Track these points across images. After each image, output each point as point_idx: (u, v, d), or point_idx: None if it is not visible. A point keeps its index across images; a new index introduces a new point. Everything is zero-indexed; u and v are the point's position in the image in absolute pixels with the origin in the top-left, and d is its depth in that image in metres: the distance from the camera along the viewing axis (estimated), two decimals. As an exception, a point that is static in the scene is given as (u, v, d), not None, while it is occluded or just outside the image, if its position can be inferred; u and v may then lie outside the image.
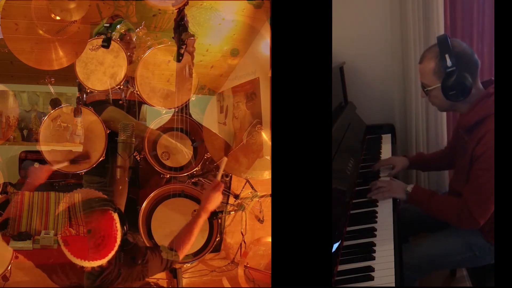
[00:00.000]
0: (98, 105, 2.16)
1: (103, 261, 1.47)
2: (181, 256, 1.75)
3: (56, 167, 2.02)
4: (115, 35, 2.17)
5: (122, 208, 2.20)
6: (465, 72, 1.69)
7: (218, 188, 1.85)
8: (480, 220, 1.69)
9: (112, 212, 1.51)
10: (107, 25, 2.17)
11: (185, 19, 2.00)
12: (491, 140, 1.60)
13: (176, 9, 1.96)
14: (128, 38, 2.25)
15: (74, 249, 1.46)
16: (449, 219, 1.83)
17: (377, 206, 1.91)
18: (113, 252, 1.48)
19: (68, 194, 1.57)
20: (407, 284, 1.80)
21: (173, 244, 1.77)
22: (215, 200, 1.84)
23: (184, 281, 2.51)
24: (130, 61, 2.19)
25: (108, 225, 1.49)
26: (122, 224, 1.52)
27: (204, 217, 1.83)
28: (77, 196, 1.55)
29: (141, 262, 1.63)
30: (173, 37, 2.04)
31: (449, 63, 1.67)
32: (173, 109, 2.24)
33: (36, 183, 1.97)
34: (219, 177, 1.95)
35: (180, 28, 2.00)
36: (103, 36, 2.07)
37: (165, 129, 2.28)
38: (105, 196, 1.56)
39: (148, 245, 2.13)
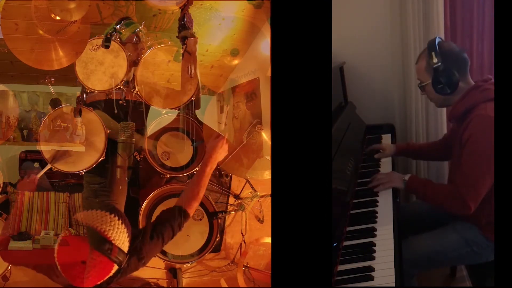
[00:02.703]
0: (98, 105, 2.16)
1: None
2: (191, 212, 1.68)
3: (39, 175, 2.03)
4: (124, 35, 2.17)
5: (122, 208, 2.20)
6: (453, 69, 1.87)
7: (221, 138, 1.81)
8: (470, 204, 1.75)
9: (115, 266, 1.45)
10: (116, 26, 2.17)
11: (186, 18, 2.00)
12: (477, 125, 1.75)
13: (179, 8, 1.97)
14: (135, 38, 2.23)
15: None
16: (443, 205, 1.89)
17: (377, 206, 1.91)
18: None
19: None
20: (406, 278, 1.82)
21: (180, 201, 1.70)
22: (222, 148, 1.80)
23: (184, 281, 2.51)
24: (133, 63, 2.18)
25: (103, 272, 1.43)
26: (119, 264, 1.45)
27: (211, 166, 1.76)
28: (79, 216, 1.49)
29: (136, 248, 1.58)
30: (177, 36, 2.05)
31: (434, 60, 1.87)
32: (174, 110, 2.24)
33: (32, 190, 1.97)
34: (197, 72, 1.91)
35: (181, 28, 2.00)
36: (103, 36, 2.07)
37: (167, 129, 2.28)
38: (120, 246, 1.46)
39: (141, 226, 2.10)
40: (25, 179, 2.03)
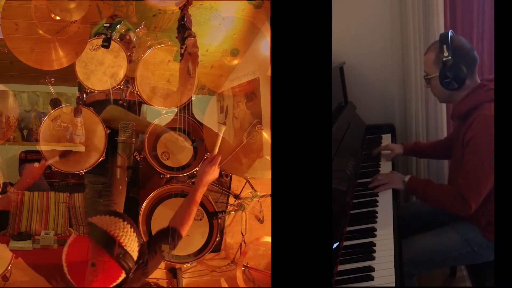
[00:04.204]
0: (98, 105, 2.15)
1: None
2: (183, 233, 1.74)
3: (48, 162, 2.02)
4: (115, 35, 2.17)
5: (121, 209, 2.20)
6: (461, 64, 1.84)
7: (215, 161, 1.86)
8: (471, 203, 1.75)
9: (123, 274, 1.46)
10: (107, 25, 2.17)
11: (186, 18, 1.99)
12: (480, 125, 1.74)
13: (179, 8, 1.97)
14: (128, 38, 2.25)
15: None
16: (443, 205, 1.89)
17: (377, 206, 1.91)
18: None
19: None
20: (406, 279, 1.82)
21: (173, 222, 1.75)
22: (212, 173, 1.84)
23: (184, 281, 2.51)
24: (130, 61, 2.19)
25: (111, 278, 1.45)
26: (127, 272, 1.47)
27: (202, 190, 1.82)
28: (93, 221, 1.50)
29: (142, 263, 1.61)
30: (176, 37, 2.04)
31: (445, 53, 1.84)
32: (174, 109, 2.24)
33: (30, 181, 1.97)
34: (215, 150, 1.97)
35: (181, 28, 2.00)
36: (103, 36, 2.07)
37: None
38: (121, 244, 1.47)
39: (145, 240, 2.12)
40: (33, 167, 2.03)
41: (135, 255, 1.49)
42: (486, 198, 1.76)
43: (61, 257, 1.56)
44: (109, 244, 1.44)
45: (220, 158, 1.88)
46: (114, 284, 1.45)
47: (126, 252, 1.44)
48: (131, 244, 1.47)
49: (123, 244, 1.44)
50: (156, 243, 1.70)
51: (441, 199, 1.88)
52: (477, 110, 1.79)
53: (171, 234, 1.70)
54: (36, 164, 2.02)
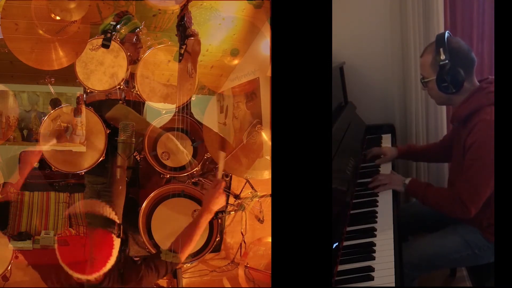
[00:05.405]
0: (98, 105, 2.16)
1: (88, 277, 1.46)
2: (182, 258, 1.69)
3: (44, 148, 2.03)
4: (122, 34, 2.17)
5: (121, 208, 2.20)
6: (459, 67, 1.79)
7: (219, 186, 1.78)
8: (471, 208, 1.74)
9: (114, 238, 1.48)
10: (113, 23, 2.15)
11: (186, 18, 2.00)
12: (482, 130, 1.70)
13: (180, 7, 1.97)
14: (135, 38, 2.23)
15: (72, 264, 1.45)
16: (443, 209, 1.88)
17: (377, 206, 1.91)
18: (99, 273, 1.47)
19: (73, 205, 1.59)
20: (407, 282, 1.81)
21: (174, 245, 1.70)
22: (218, 200, 1.76)
23: (184, 281, 2.51)
24: (131, 61, 2.18)
25: (105, 250, 1.47)
26: (120, 250, 1.49)
27: (207, 217, 1.75)
28: (78, 205, 1.55)
29: (136, 278, 1.60)
30: (176, 35, 2.05)
31: (442, 56, 1.78)
32: (174, 109, 2.24)
33: (28, 167, 2.03)
34: (219, 175, 1.90)
35: (181, 27, 2.00)
36: (103, 36, 2.07)
37: (165, 129, 2.28)
38: (112, 217, 1.52)
39: (149, 248, 2.12)
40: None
41: (113, 216, 1.55)
42: (487, 201, 1.75)
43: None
44: (92, 218, 1.50)
45: (224, 184, 1.81)
46: (114, 250, 1.48)
47: (107, 217, 1.51)
48: (107, 210, 1.55)
49: (104, 214, 1.52)
50: (153, 260, 1.68)
51: (441, 203, 1.86)
52: (478, 115, 1.75)
53: (169, 254, 1.67)
54: (36, 164, 2.03)
